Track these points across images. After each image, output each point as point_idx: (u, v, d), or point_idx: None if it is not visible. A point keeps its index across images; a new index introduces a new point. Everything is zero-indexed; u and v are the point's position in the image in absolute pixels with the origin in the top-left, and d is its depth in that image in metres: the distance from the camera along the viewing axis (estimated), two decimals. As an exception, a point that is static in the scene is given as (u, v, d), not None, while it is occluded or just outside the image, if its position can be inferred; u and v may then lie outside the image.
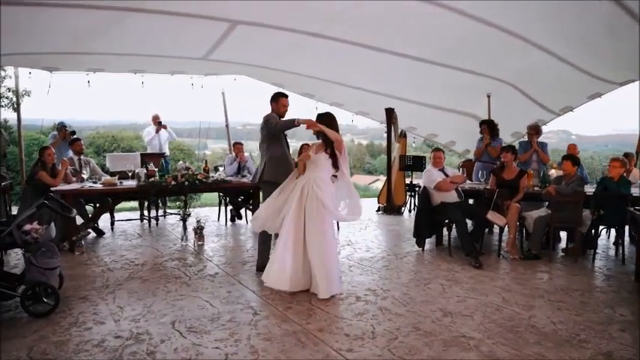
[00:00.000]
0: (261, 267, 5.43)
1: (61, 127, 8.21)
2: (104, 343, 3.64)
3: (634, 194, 6.07)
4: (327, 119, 4.85)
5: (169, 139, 9.71)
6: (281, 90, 5.77)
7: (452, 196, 6.35)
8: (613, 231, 7.07)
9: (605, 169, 6.74)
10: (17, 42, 6.40)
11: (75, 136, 7.88)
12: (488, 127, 7.81)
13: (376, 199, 10.23)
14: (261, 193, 5.62)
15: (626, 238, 6.55)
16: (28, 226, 4.24)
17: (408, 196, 9.77)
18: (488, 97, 9.16)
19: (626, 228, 6.41)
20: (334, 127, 4.81)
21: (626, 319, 4.29)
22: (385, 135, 9.63)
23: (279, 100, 5.31)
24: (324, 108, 10.24)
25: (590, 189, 6.40)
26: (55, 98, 8.96)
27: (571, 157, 6.29)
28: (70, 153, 7.80)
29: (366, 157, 34.64)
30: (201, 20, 6.25)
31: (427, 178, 6.46)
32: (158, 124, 9.41)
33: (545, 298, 4.76)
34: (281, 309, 4.37)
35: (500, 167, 6.73)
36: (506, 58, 7.71)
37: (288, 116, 5.34)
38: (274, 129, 5.15)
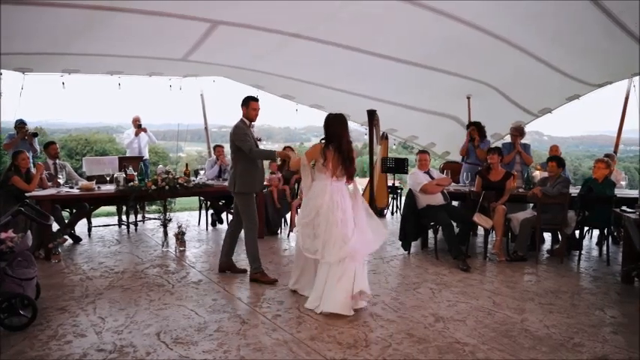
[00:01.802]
0: (225, 267, 5.47)
1: (20, 125, 7.72)
2: (86, 357, 3.46)
3: (618, 195, 6.11)
4: (325, 122, 4.71)
5: (149, 142, 9.47)
6: (252, 94, 5.54)
7: (438, 199, 6.31)
8: (595, 231, 7.13)
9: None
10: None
11: (38, 136, 7.60)
12: (477, 129, 7.78)
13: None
14: (237, 203, 5.30)
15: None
16: (2, 235, 4.02)
17: (390, 199, 9.72)
18: (468, 98, 9.17)
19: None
20: (332, 129, 4.62)
21: (618, 320, 4.29)
22: (366, 137, 9.55)
23: (249, 103, 5.19)
24: (304, 110, 10.20)
25: (574, 190, 6.43)
26: (28, 100, 8.66)
27: (556, 158, 6.31)
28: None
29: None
30: (181, 20, 6.08)
31: (413, 180, 6.39)
32: (138, 126, 9.14)
33: (536, 301, 4.74)
34: (269, 317, 4.25)
35: (486, 169, 6.70)
36: (486, 60, 7.72)
37: (259, 119, 5.33)
38: (249, 154, 5.04)
